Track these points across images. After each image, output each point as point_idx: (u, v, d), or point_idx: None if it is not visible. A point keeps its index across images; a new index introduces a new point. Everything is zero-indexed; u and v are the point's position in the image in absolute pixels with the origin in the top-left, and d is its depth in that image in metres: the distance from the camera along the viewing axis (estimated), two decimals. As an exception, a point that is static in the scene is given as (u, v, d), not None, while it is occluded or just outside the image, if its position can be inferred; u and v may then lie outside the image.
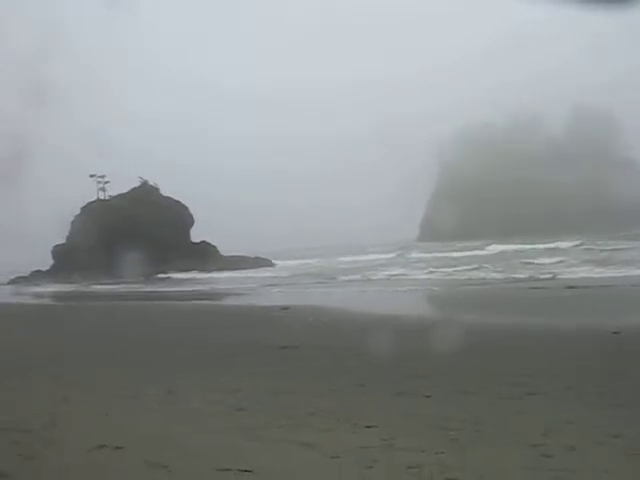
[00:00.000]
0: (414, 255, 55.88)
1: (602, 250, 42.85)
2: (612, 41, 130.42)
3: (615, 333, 12.66)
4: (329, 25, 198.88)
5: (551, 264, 35.60)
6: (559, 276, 29.49)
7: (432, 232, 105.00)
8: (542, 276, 30.04)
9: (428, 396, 8.31)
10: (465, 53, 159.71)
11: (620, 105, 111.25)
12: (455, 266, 39.50)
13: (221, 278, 50.14)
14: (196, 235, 73.11)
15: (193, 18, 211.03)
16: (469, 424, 6.73)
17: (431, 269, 39.34)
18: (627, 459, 5.36)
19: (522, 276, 30.68)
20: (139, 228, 63.66)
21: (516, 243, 55.54)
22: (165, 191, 74.09)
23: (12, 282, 66.60)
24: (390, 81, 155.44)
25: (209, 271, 57.16)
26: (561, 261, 36.93)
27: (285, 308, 21.21)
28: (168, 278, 56.77)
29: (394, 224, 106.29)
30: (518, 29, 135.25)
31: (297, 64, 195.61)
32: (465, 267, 38.32)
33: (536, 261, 38.56)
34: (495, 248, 55.56)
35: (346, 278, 37.75)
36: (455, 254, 52.50)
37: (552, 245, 50.56)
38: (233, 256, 67.29)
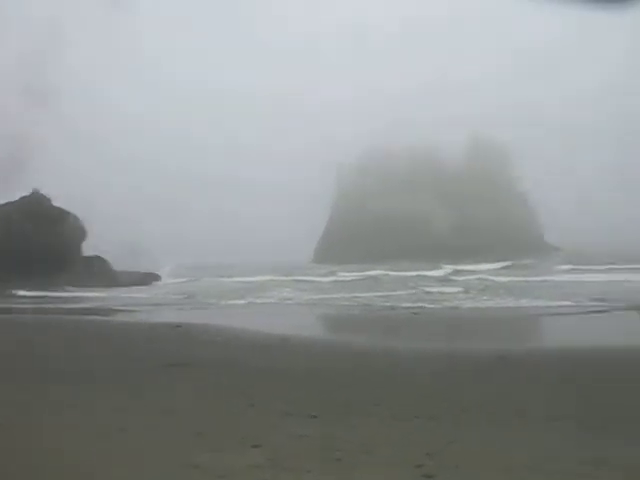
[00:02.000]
0: (306, 278, 56.04)
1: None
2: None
3: (501, 357, 13.10)
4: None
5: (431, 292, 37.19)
6: (427, 306, 30.18)
7: (327, 255, 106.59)
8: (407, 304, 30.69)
9: (315, 416, 8.29)
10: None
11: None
12: (344, 290, 40.18)
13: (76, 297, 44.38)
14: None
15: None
16: (356, 445, 6.72)
17: (319, 293, 39.64)
18: (506, 475, 5.49)
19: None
20: (23, 239, 60.50)
21: (403, 270, 57.29)
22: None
23: None
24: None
25: (63, 288, 52.78)
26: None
27: (178, 326, 20.73)
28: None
29: (290, 244, 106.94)
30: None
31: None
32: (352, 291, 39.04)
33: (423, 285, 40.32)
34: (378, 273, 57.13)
35: (229, 302, 35.96)
36: (344, 277, 53.61)
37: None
38: (123, 271, 65.00)
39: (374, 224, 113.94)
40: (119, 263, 66.20)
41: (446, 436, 7.02)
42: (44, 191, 69.34)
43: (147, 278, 63.57)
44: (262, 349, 15.62)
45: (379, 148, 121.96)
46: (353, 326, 25.26)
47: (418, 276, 51.13)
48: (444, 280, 47.94)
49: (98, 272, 63.44)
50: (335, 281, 52.22)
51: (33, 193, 70.71)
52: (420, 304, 30.41)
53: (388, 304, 30.37)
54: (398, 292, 37.55)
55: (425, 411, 8.52)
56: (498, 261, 63.44)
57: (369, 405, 9.02)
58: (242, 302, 34.68)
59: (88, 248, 69.55)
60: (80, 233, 70.82)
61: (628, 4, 2.79)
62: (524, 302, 29.80)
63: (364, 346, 16.30)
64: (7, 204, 70.16)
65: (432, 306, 29.84)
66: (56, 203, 70.04)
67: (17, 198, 69.75)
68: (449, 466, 5.83)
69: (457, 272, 54.24)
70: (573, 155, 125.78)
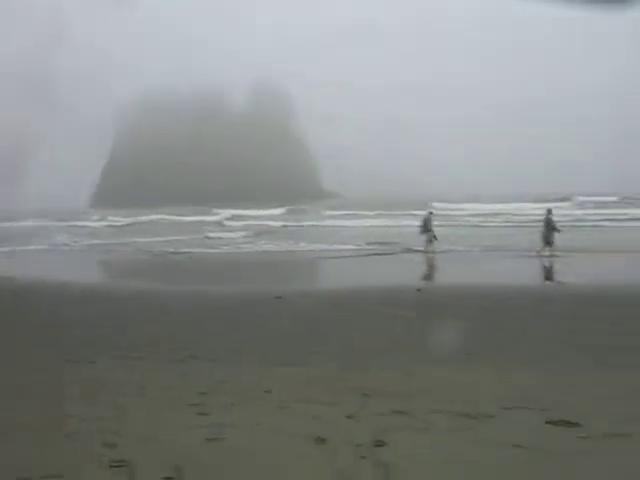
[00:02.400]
0: (81, 223, 53.62)
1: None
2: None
3: (277, 298, 13.62)
4: None
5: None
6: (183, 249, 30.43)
7: (105, 200, 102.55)
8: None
9: (93, 362, 8.15)
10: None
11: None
12: (121, 235, 39.15)
13: None
14: None
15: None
16: (133, 389, 6.70)
17: (95, 239, 38.27)
18: (279, 410, 5.79)
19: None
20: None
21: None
22: None
23: None
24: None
25: None
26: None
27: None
28: None
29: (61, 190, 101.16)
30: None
31: None
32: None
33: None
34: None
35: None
36: (121, 222, 52.18)
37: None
38: None
39: (152, 168, 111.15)
40: None
41: (221, 375, 7.21)
42: None
43: None
44: (39, 295, 14.98)
45: (161, 90, 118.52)
46: (129, 271, 24.81)
47: (198, 221, 51.19)
48: (223, 225, 48.43)
49: None
50: (111, 226, 50.61)
51: None
52: (200, 249, 30.51)
53: (170, 250, 30.09)
54: (178, 237, 37.28)
55: (201, 352, 8.68)
56: (278, 207, 65.17)
57: (144, 348, 9.00)
58: (6, 249, 31.95)
59: None
60: None
61: (628, 4, 2.80)
62: (303, 246, 31.01)
63: (140, 290, 16.13)
64: None
65: (212, 250, 30.09)
66: None
67: None
68: (223, 404, 6.01)
69: (237, 217, 54.93)
70: (352, 106, 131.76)
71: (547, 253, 23.24)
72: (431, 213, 27.50)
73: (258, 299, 13.91)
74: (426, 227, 26.42)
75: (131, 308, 13.23)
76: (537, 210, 44.02)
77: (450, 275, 20.41)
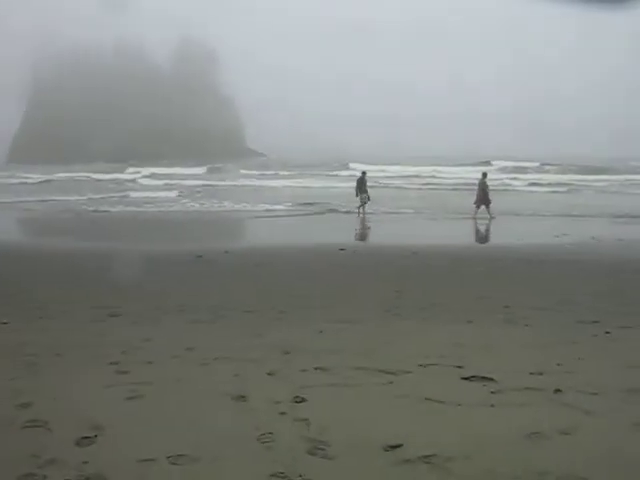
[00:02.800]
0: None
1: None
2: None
3: (199, 257, 13.51)
4: None
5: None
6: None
7: (23, 154, 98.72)
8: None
9: (5, 323, 7.91)
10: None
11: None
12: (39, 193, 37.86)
13: None
14: None
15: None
16: (48, 349, 6.55)
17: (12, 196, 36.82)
18: (200, 368, 5.78)
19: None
20: None
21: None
22: None
23: None
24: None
25: None
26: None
27: None
28: None
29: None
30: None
31: None
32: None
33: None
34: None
35: None
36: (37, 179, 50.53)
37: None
38: None
39: (71, 124, 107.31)
40: None
41: (142, 334, 7.13)
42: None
43: None
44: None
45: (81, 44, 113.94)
46: (46, 229, 24.11)
47: (117, 179, 49.97)
48: (142, 184, 47.22)
49: None
50: (25, 183, 48.76)
51: None
52: (120, 207, 29.91)
53: (90, 208, 29.39)
54: (97, 195, 36.33)
55: (121, 311, 8.55)
56: (202, 165, 64.23)
57: (61, 307, 8.80)
58: None
59: None
60: None
61: (628, 4, 2.75)
62: (227, 205, 30.75)
63: (58, 248, 15.72)
64: None
65: (134, 209, 29.49)
66: None
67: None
68: (142, 362, 5.96)
69: (156, 175, 53.54)
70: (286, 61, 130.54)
71: (478, 216, 23.60)
72: (364, 173, 27.02)
73: (179, 258, 13.76)
74: (361, 188, 26.20)
75: (49, 267, 12.88)
76: (460, 173, 45.22)
77: (378, 236, 20.72)
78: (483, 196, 24.10)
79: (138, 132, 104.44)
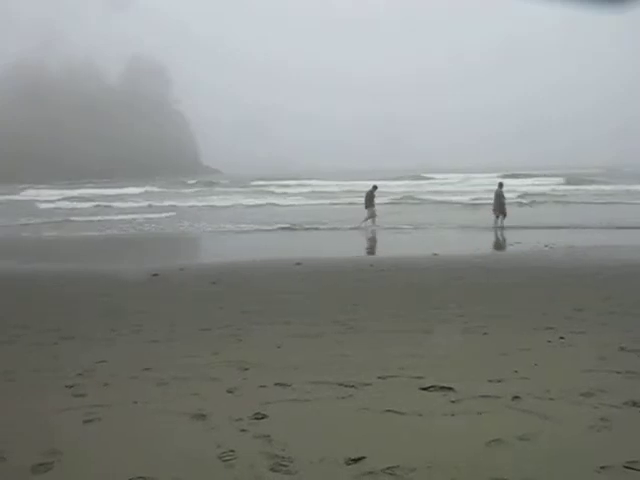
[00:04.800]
0: None
1: None
2: None
3: (154, 275, 13.35)
4: None
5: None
6: None
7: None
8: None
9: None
10: None
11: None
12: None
13: None
14: None
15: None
16: (1, 374, 6.39)
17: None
18: (158, 388, 5.70)
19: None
20: None
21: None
22: None
23: None
24: None
25: None
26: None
27: None
28: None
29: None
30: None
31: None
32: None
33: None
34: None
35: None
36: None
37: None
38: None
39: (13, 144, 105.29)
40: None
41: (97, 356, 6.99)
42: None
43: None
44: None
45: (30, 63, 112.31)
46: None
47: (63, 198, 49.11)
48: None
49: None
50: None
51: None
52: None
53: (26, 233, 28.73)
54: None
55: (74, 333, 8.38)
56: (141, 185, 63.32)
57: (11, 331, 8.57)
58: None
59: None
60: None
61: (628, 4, 2.76)
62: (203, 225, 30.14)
63: (6, 271, 15.37)
64: None
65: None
66: None
67: None
68: (99, 384, 5.85)
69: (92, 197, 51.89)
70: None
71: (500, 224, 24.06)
72: (375, 187, 26.62)
73: (133, 277, 13.57)
74: (369, 202, 25.89)
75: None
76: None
77: (337, 250, 20.73)
78: (499, 205, 24.50)
79: (86, 150, 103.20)
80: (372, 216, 25.70)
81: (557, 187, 48.34)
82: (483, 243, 20.16)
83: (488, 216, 25.07)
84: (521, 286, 11.65)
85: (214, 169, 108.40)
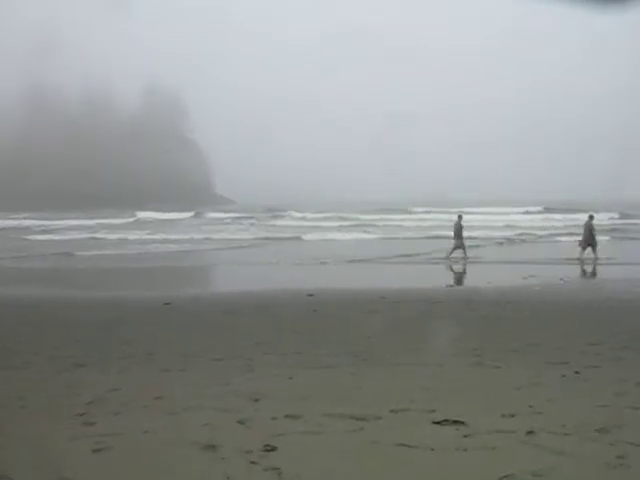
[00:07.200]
0: None
1: None
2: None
3: (166, 304, 13.36)
4: None
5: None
6: None
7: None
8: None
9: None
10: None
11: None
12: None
13: None
14: None
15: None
16: (12, 400, 6.39)
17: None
18: (168, 418, 5.67)
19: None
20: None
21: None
22: None
23: None
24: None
25: None
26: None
27: None
28: None
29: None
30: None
31: None
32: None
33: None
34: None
35: None
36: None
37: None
38: None
39: (29, 168, 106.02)
40: None
41: (108, 384, 6.99)
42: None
43: None
44: None
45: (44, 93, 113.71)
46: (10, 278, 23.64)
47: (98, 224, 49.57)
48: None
49: None
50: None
51: None
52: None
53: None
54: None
55: (87, 360, 8.38)
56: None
57: (24, 358, 8.59)
58: None
59: None
60: None
61: (628, 4, 2.72)
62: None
63: (20, 297, 15.43)
64: None
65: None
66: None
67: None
68: (110, 412, 5.83)
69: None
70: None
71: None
72: (460, 217, 25.54)
73: (147, 305, 13.61)
74: (457, 233, 25.01)
75: (7, 317, 12.58)
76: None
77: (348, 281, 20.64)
78: (589, 237, 24.29)
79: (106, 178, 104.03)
80: (461, 247, 24.87)
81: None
82: (494, 275, 20.03)
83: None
84: (534, 319, 11.56)
85: (228, 198, 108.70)
